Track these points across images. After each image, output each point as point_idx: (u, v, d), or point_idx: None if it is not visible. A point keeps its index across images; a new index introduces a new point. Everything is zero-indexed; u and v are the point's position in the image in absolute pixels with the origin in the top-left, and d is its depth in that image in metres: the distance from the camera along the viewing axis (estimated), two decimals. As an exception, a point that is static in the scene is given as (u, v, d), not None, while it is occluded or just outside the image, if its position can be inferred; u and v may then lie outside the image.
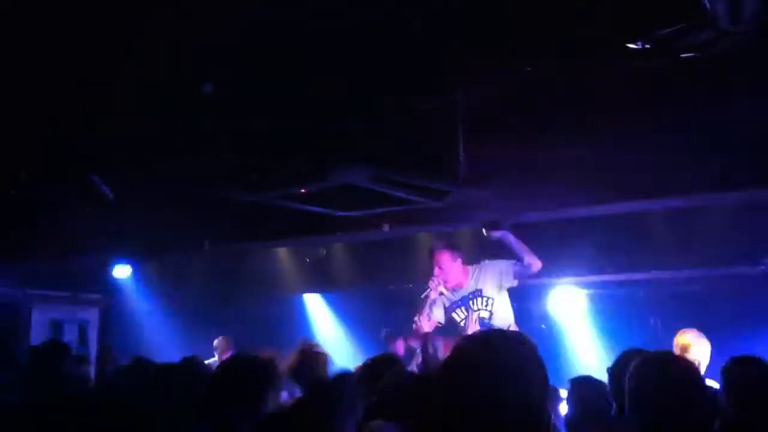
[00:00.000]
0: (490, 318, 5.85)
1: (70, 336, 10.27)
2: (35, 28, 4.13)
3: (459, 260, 5.96)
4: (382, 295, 9.54)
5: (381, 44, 4.10)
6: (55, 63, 4.55)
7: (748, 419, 3.57)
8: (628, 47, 3.62)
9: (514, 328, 5.78)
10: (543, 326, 9.16)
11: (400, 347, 8.98)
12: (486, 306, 5.86)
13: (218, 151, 5.38)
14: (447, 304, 6.05)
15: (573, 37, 3.81)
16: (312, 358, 4.76)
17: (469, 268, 6.01)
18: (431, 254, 6.02)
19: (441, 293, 6.00)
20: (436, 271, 5.93)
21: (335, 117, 4.81)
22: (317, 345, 5.17)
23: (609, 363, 3.75)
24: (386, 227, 6.94)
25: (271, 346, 7.05)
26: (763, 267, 7.28)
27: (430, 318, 6.03)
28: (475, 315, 5.85)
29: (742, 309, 7.60)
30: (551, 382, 2.03)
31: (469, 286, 5.94)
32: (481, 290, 5.89)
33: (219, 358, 8.48)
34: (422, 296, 5.99)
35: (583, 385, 4.27)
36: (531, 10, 3.74)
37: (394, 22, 3.88)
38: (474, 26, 3.90)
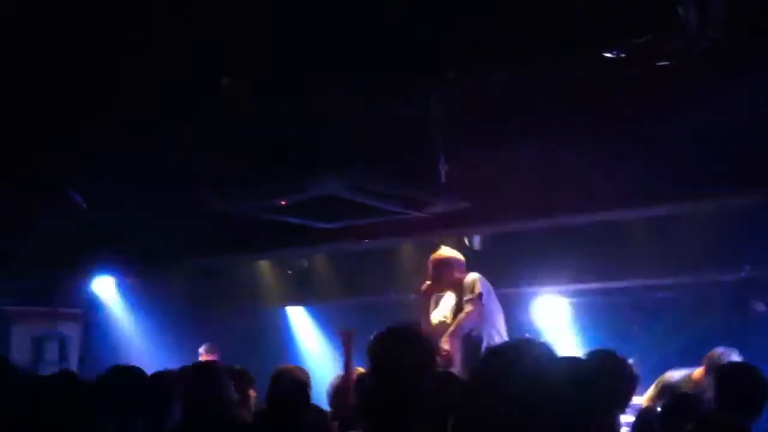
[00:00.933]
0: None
1: (51, 353, 10.14)
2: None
3: (453, 267, 5.84)
4: (365, 305, 9.48)
5: (360, 46, 4.10)
6: (26, 68, 4.51)
7: (736, 420, 3.64)
8: (602, 56, 3.65)
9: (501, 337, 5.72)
10: (527, 335, 9.14)
11: None
12: None
13: (200, 163, 5.36)
14: (453, 302, 5.98)
15: (551, 45, 3.84)
16: None
17: (470, 276, 5.84)
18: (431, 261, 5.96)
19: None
20: (430, 274, 5.90)
21: (315, 127, 4.80)
22: (299, 368, 4.98)
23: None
24: (366, 241, 6.93)
25: (253, 359, 7.03)
26: (743, 274, 7.32)
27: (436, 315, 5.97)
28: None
29: (722, 316, 7.63)
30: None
31: (465, 293, 5.76)
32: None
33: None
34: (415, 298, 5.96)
35: None
36: (504, 18, 3.77)
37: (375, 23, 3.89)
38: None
